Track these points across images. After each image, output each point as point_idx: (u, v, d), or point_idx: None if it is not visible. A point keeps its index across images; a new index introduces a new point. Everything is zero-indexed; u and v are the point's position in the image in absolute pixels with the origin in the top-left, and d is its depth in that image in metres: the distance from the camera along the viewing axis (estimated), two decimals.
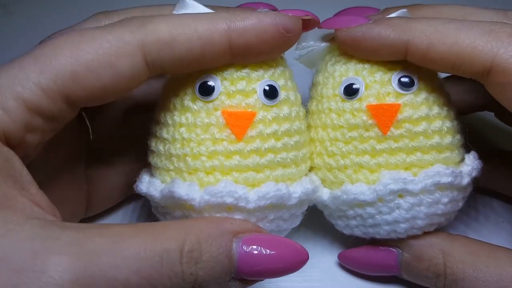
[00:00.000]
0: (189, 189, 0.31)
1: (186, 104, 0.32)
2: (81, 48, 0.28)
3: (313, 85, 0.37)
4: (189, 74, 0.32)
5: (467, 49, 0.30)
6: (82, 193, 0.38)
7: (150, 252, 0.26)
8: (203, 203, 0.30)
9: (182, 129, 0.32)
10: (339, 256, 0.38)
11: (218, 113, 0.31)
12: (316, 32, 0.37)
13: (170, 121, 0.33)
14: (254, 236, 0.29)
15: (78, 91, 0.28)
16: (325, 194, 0.35)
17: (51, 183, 0.34)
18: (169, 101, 0.33)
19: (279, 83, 0.33)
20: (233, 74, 0.32)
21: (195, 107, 0.32)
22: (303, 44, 0.37)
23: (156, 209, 0.34)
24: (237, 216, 0.31)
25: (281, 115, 0.32)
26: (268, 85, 0.32)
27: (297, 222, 0.35)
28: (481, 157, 0.36)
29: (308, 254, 0.30)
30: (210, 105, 0.32)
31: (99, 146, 0.39)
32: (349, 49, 0.34)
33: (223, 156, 0.31)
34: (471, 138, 0.36)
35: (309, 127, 0.36)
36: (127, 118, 0.41)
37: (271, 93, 0.32)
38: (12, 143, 0.28)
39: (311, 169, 0.36)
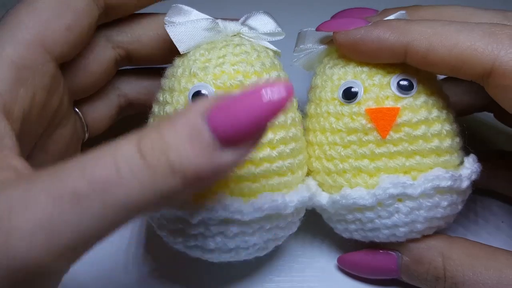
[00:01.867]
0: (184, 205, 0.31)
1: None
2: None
3: (311, 88, 0.36)
4: (184, 82, 0.32)
5: (467, 51, 0.30)
6: None
7: (99, 158, 0.22)
8: (198, 218, 0.31)
9: None
10: (339, 260, 0.38)
11: None
12: (314, 34, 0.37)
13: None
14: (219, 106, 0.23)
15: (49, 37, 0.30)
16: (324, 198, 0.35)
17: None
18: (162, 109, 0.33)
19: None
20: (227, 82, 0.31)
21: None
22: (301, 46, 0.37)
23: (157, 226, 0.34)
24: (234, 228, 0.31)
25: (276, 123, 0.32)
26: None
27: (294, 228, 0.35)
28: (481, 158, 0.35)
29: (291, 87, 0.23)
30: None
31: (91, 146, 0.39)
32: (348, 52, 0.34)
33: None
34: (470, 139, 0.36)
35: (307, 130, 0.36)
36: (120, 117, 0.41)
37: None
38: (8, 105, 0.27)
39: (309, 172, 0.36)
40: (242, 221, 0.31)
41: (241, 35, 0.35)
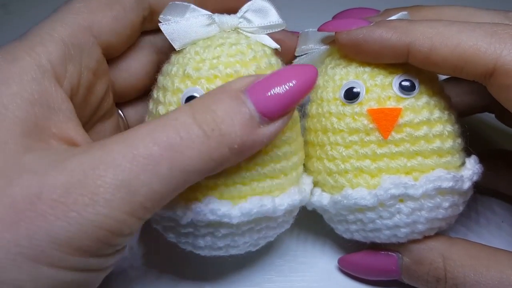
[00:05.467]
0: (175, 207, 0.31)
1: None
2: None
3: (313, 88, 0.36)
4: (178, 82, 0.32)
5: (469, 51, 0.30)
6: None
7: (160, 126, 0.26)
8: (186, 220, 0.31)
9: None
10: (339, 261, 0.38)
11: None
12: (316, 34, 0.37)
13: None
14: (256, 82, 0.28)
15: (97, 23, 0.32)
16: (325, 199, 0.35)
17: None
18: (156, 108, 0.33)
19: None
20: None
21: None
22: (302, 47, 0.37)
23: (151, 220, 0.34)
24: (223, 230, 0.31)
25: None
26: None
27: (287, 226, 0.35)
28: (482, 158, 0.35)
29: (313, 67, 0.29)
30: None
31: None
32: (350, 52, 0.34)
33: None
34: (472, 140, 0.35)
35: (308, 130, 0.36)
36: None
37: None
38: (59, 77, 0.29)
39: (310, 172, 0.36)
40: (231, 224, 0.31)
41: (239, 29, 0.34)
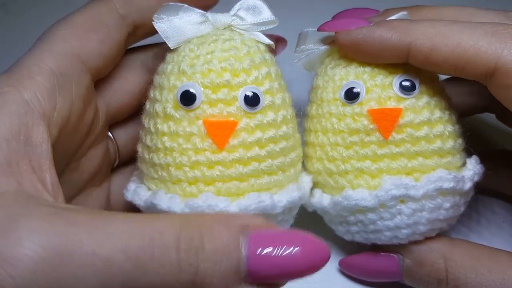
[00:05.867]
0: (171, 202, 0.30)
1: (168, 112, 0.31)
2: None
3: (313, 88, 0.36)
4: (173, 79, 0.32)
5: (470, 50, 0.30)
6: (106, 206, 0.38)
7: (140, 232, 0.23)
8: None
9: (165, 138, 0.31)
10: (340, 263, 0.38)
11: (200, 122, 0.31)
12: (315, 34, 0.36)
13: (153, 129, 0.32)
14: (264, 232, 0.25)
15: (84, 49, 0.32)
16: (325, 200, 0.35)
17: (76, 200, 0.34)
18: (152, 106, 0.33)
19: (263, 87, 0.32)
20: (214, 81, 0.31)
21: (177, 115, 0.31)
22: (302, 47, 0.37)
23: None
24: None
25: (265, 121, 0.32)
26: (251, 92, 0.31)
27: (286, 226, 0.35)
28: (483, 158, 0.35)
29: (329, 250, 0.25)
30: (192, 114, 0.31)
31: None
32: (350, 52, 0.34)
33: (205, 167, 0.31)
34: (472, 140, 0.35)
35: (308, 131, 0.36)
36: None
37: (252, 100, 0.31)
38: (47, 112, 0.28)
39: (310, 173, 0.36)
40: None
41: (232, 27, 0.34)
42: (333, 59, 0.35)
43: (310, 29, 0.37)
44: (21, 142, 0.26)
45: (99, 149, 0.36)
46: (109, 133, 0.38)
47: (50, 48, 0.31)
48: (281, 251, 0.24)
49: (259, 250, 0.24)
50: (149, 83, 0.35)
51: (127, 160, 0.40)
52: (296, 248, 0.24)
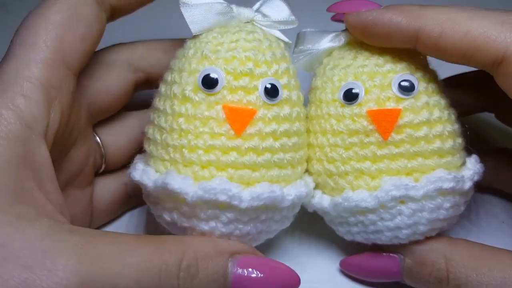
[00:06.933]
0: (183, 183, 0.30)
1: (187, 94, 0.32)
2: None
3: (311, 89, 0.36)
4: (195, 63, 0.32)
5: (480, 38, 0.30)
6: (88, 209, 0.38)
7: (150, 264, 0.27)
8: (196, 198, 0.30)
9: (181, 120, 0.32)
10: (341, 264, 0.38)
11: (219, 107, 0.31)
12: (314, 35, 0.36)
13: (169, 110, 0.32)
14: (250, 258, 0.31)
15: (67, 51, 0.31)
16: (325, 201, 0.35)
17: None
18: (170, 88, 0.33)
19: (282, 81, 0.33)
20: (237, 68, 0.32)
21: (196, 98, 0.31)
22: (300, 47, 0.36)
23: (148, 198, 0.34)
24: (229, 214, 0.31)
25: (281, 114, 0.32)
26: (270, 84, 0.32)
27: (287, 223, 0.35)
28: (483, 156, 0.35)
29: (299, 279, 0.32)
30: (212, 98, 0.31)
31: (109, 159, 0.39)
32: (359, 35, 0.34)
33: (220, 151, 0.31)
34: (472, 140, 0.35)
35: (308, 132, 0.36)
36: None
37: (272, 91, 0.32)
38: (38, 126, 0.29)
39: (310, 173, 0.36)
40: (239, 208, 0.30)
41: (254, 22, 0.35)
42: (331, 60, 0.35)
43: (309, 29, 0.37)
44: (27, 167, 0.27)
45: (81, 150, 0.36)
46: (97, 139, 0.38)
47: (35, 58, 0.30)
48: (257, 275, 0.30)
49: (242, 271, 0.30)
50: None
51: (114, 169, 0.40)
52: (268, 275, 0.30)
